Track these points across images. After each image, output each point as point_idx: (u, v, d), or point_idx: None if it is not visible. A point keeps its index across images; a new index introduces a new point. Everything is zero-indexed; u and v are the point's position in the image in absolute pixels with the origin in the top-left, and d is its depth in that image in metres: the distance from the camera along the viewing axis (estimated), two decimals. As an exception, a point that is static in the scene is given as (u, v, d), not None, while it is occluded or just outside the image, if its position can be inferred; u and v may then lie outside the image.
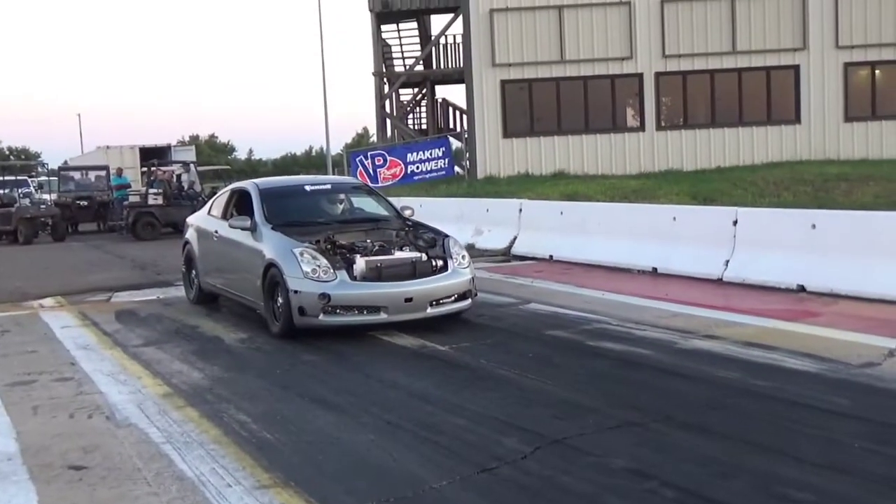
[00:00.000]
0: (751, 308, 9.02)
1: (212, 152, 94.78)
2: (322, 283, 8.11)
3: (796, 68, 27.04)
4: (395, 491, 4.46)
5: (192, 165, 26.04)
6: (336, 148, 49.88)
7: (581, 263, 13.00)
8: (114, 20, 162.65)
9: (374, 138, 43.78)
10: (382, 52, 33.35)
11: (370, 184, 27.00)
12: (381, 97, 32.79)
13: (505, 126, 27.57)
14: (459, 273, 8.73)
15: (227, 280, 10.00)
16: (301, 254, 8.30)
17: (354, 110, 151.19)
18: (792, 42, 26.92)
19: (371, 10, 31.69)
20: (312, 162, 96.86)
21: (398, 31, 34.41)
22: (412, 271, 8.46)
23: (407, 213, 9.96)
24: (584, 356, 7.34)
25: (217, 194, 11.29)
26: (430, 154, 28.05)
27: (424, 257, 8.66)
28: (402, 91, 35.64)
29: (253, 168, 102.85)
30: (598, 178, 25.10)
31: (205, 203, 23.50)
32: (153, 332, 9.20)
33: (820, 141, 27.00)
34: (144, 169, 28.55)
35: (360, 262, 8.34)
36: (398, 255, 8.66)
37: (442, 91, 36.66)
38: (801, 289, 9.78)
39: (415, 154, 27.99)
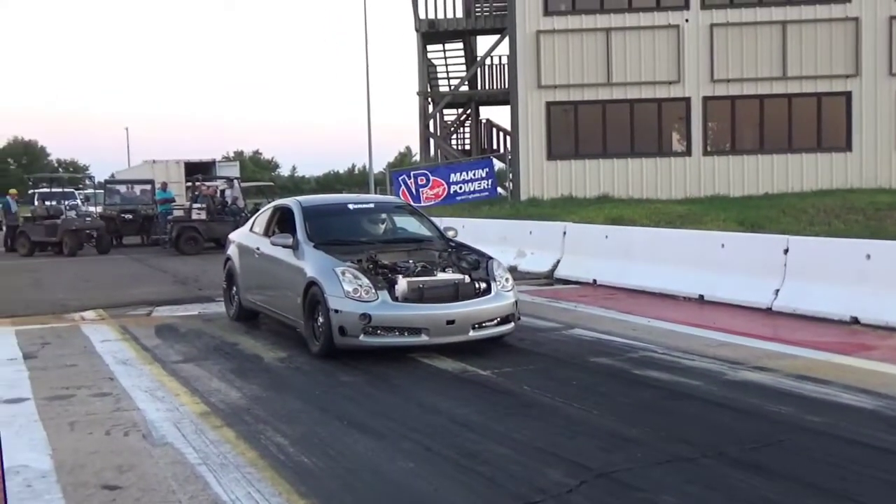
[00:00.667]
0: (802, 339, 8.75)
1: (255, 168, 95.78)
2: (363, 303, 8.01)
3: (848, 95, 26.62)
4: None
5: (235, 181, 26.20)
6: (379, 167, 49.97)
7: (625, 289, 12.77)
8: (164, 36, 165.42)
9: (417, 157, 43.85)
10: (428, 71, 33.40)
11: (412, 203, 27.07)
12: (425, 117, 32.81)
13: (549, 148, 27.42)
14: (503, 296, 8.57)
15: (267, 297, 9.91)
16: (343, 273, 8.21)
17: (398, 129, 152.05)
18: (844, 68, 26.51)
19: (417, 31, 31.76)
20: (355, 180, 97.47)
21: (444, 51, 34.46)
22: (455, 293, 8.33)
23: (450, 233, 9.85)
24: (630, 385, 7.13)
25: (260, 211, 11.24)
26: (474, 175, 27.99)
27: (467, 279, 8.52)
28: (446, 111, 35.64)
29: (296, 185, 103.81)
30: (643, 202, 24.83)
31: (247, 219, 23.75)
32: (192, 349, 9.14)
33: (871, 169, 26.50)
34: (189, 183, 28.78)
35: (402, 283, 8.20)
36: (441, 276, 8.53)
37: (486, 112, 36.69)
38: (855, 321, 9.48)
39: (458, 174, 27.95)
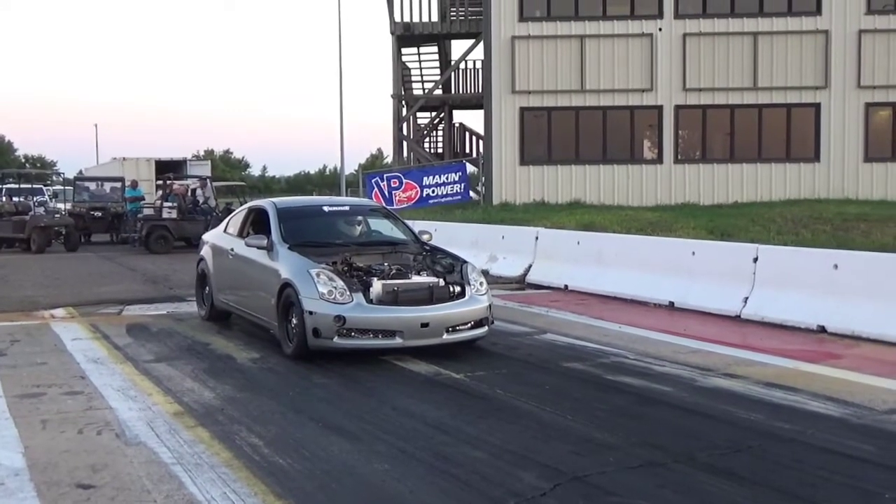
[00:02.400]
0: (771, 347, 8.88)
1: (226, 167, 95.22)
2: (338, 305, 8.02)
3: (817, 106, 27.00)
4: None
5: (208, 180, 26.06)
6: (350, 168, 49.98)
7: (597, 294, 12.87)
8: (133, 32, 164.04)
9: (389, 160, 43.83)
10: (402, 74, 33.43)
11: (385, 205, 27.06)
12: (398, 119, 32.83)
13: (522, 153, 27.56)
14: (476, 300, 8.62)
15: (241, 298, 9.90)
16: (317, 275, 8.22)
17: (370, 131, 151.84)
18: (814, 80, 26.89)
19: (392, 33, 31.79)
20: (326, 181, 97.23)
21: (419, 54, 34.52)
22: (429, 296, 8.37)
23: (425, 237, 9.92)
24: (602, 390, 7.20)
25: (234, 212, 11.18)
26: (446, 178, 28.05)
27: (442, 282, 8.58)
28: (419, 114, 35.68)
29: (266, 185, 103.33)
30: (615, 208, 24.99)
31: (219, 219, 23.59)
32: (164, 348, 9.10)
33: (839, 180, 26.89)
34: (159, 182, 28.59)
35: (377, 286, 8.24)
36: (415, 279, 8.60)
37: (460, 116, 36.74)
38: (822, 329, 9.63)
39: (431, 178, 27.99)
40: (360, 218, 10.35)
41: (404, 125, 33.64)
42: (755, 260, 10.86)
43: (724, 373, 7.71)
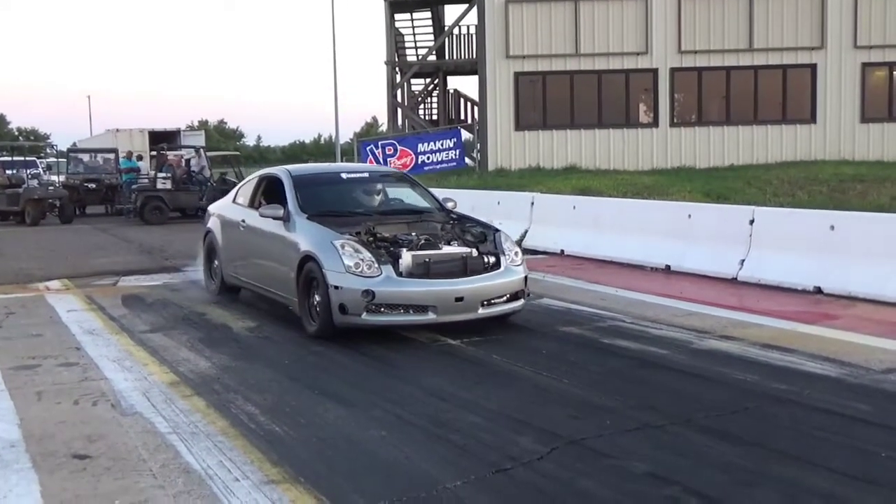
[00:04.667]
0: (767, 309, 8.87)
1: (220, 138, 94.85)
2: (366, 279, 7.47)
3: (813, 67, 26.86)
4: (407, 490, 4.32)
5: (201, 150, 25.93)
6: (345, 137, 49.78)
7: (593, 259, 12.85)
8: (126, 4, 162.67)
9: (384, 128, 43.63)
10: (395, 41, 33.16)
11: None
12: (392, 87, 32.61)
13: (517, 118, 27.42)
14: (512, 271, 8.09)
15: (254, 273, 9.33)
16: (342, 246, 7.66)
17: (364, 100, 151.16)
18: (809, 41, 26.72)
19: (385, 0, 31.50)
20: (321, 150, 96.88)
21: (412, 20, 34.21)
22: (463, 268, 7.80)
23: (449, 204, 9.38)
24: (599, 354, 7.20)
25: (243, 181, 10.65)
26: (441, 145, 27.93)
27: (475, 253, 8.04)
28: (413, 81, 35.44)
29: (262, 155, 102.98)
30: (611, 173, 24.94)
31: (214, 189, 23.54)
32: (160, 318, 9.07)
33: (835, 141, 26.80)
34: (153, 153, 28.46)
35: (407, 257, 7.68)
36: (447, 249, 8.02)
37: (454, 82, 36.48)
38: (818, 290, 9.62)
39: (426, 144, 27.88)
40: (380, 185, 9.69)
41: (398, 92, 33.43)
42: (751, 222, 10.82)
43: (720, 335, 7.71)
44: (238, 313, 9.27)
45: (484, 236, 8.45)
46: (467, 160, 28.75)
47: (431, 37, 34.42)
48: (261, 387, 6.32)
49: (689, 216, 11.88)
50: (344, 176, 9.62)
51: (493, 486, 4.38)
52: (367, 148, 28.01)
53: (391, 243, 8.00)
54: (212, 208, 11.00)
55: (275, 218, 8.62)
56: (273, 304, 9.11)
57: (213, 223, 10.54)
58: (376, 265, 7.56)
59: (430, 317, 7.60)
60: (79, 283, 11.67)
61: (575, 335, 7.90)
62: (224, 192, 22.57)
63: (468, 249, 8.07)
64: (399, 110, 33.81)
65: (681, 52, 26.91)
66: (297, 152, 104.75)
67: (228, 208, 10.33)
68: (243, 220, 9.58)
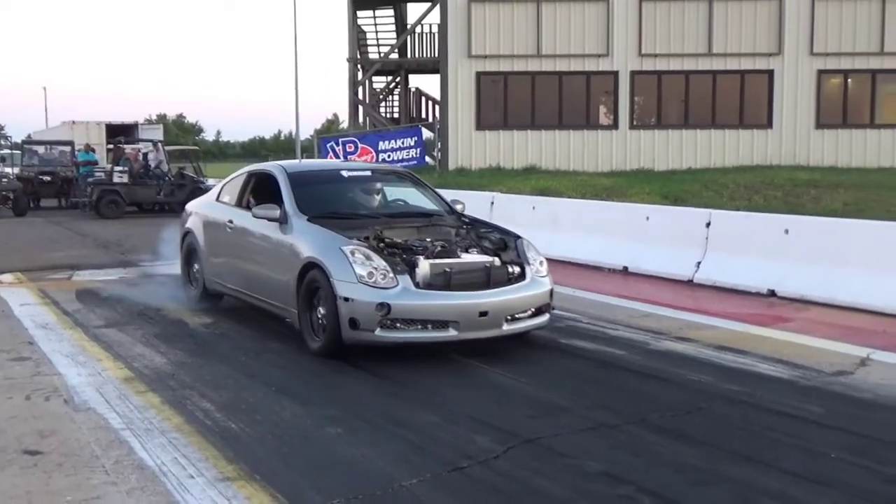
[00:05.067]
0: (722, 311, 8.98)
1: (179, 132, 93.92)
2: (380, 290, 6.65)
3: (770, 73, 27.22)
4: (363, 488, 4.31)
5: (159, 144, 25.65)
6: (305, 133, 49.56)
7: (552, 259, 12.76)
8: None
9: (345, 125, 43.47)
10: (357, 38, 33.07)
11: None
12: (354, 84, 32.53)
13: (478, 118, 27.47)
14: (539, 282, 7.30)
15: (244, 280, 8.39)
16: (352, 253, 6.85)
17: (325, 97, 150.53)
18: (767, 47, 27.08)
19: (347, -5, 31.39)
20: (281, 146, 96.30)
21: (374, 17, 34.15)
22: (486, 279, 6.98)
23: (458, 207, 8.63)
24: (556, 354, 7.24)
25: (228, 178, 9.61)
26: (402, 143, 27.90)
27: (498, 262, 7.24)
28: (375, 79, 35.38)
29: (221, 150, 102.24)
30: (570, 174, 25.08)
31: (171, 183, 23.25)
32: (115, 314, 8.96)
33: (791, 146, 27.19)
34: (110, 146, 28.10)
35: (424, 266, 6.85)
36: (467, 258, 7.20)
37: (416, 80, 36.47)
38: (772, 293, 9.75)
39: (386, 142, 27.82)
40: (379, 185, 8.82)
41: (360, 89, 33.34)
42: (708, 225, 10.95)
43: (676, 336, 7.79)
44: (195, 309, 9.18)
45: (504, 243, 7.64)
46: (428, 159, 28.75)
47: (394, 35, 34.39)
48: (217, 383, 6.28)
49: (647, 218, 11.99)
50: (344, 174, 8.75)
51: (450, 485, 4.39)
52: (328, 145, 27.91)
53: (403, 250, 7.18)
54: (191, 207, 10.02)
55: (270, 219, 7.75)
56: (254, 308, 8.99)
57: (193, 223, 9.58)
58: (391, 275, 6.74)
59: (451, 333, 6.75)
60: (32, 276, 11.49)
61: (532, 335, 7.92)
62: (181, 188, 22.73)
63: (489, 258, 7.26)
64: (360, 108, 33.74)
65: (641, 56, 27.14)
66: (256, 148, 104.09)
67: (211, 207, 9.42)
68: (230, 221, 8.67)
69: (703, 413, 5.58)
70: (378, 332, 6.67)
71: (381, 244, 7.18)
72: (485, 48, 27.07)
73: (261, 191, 8.61)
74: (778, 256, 9.98)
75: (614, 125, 27.63)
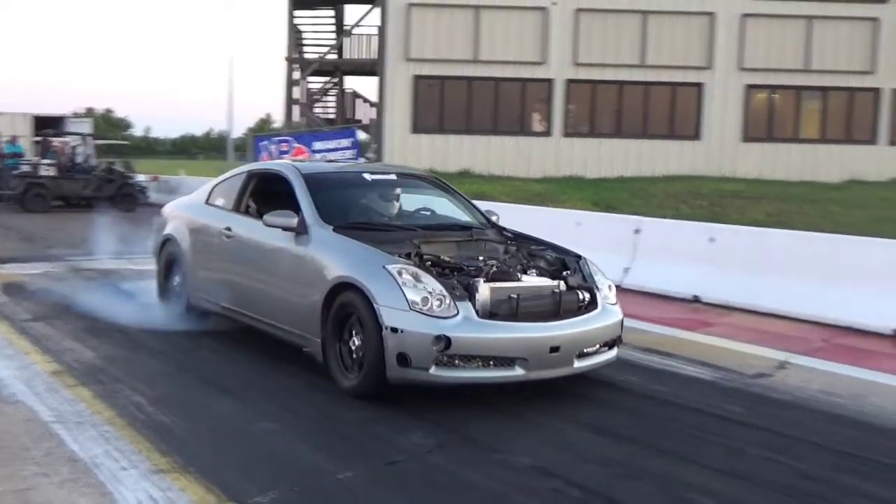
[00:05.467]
0: (650, 315, 9.19)
1: (107, 126, 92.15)
2: (437, 320, 5.56)
3: (700, 86, 27.85)
4: (298, 481, 4.37)
5: (88, 138, 25.20)
6: (238, 132, 49.11)
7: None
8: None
9: (279, 124, 43.21)
10: (295, 38, 32.91)
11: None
12: (290, 83, 32.36)
13: (414, 121, 27.58)
14: (610, 311, 6.32)
15: (245, 299, 7.21)
16: (399, 273, 5.73)
17: (259, 96, 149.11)
18: (698, 61, 27.71)
19: (285, -6, 31.24)
20: (212, 144, 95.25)
21: (313, 17, 34.03)
22: (555, 308, 5.99)
23: (493, 218, 7.70)
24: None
25: (220, 179, 8.34)
26: (337, 144, 27.89)
27: (564, 287, 6.18)
28: (312, 79, 35.24)
29: (150, 146, 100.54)
30: (504, 179, 25.34)
31: (100, 178, 22.81)
32: (42, 307, 8.81)
33: (718, 158, 27.87)
34: (37, 138, 27.50)
35: (485, 291, 5.80)
36: (528, 281, 6.15)
37: (353, 82, 36.53)
38: (696, 299, 10.03)
39: (322, 143, 27.78)
40: (398, 191, 7.52)
41: (296, 89, 33.18)
42: (636, 232, 11.21)
43: (605, 339, 7.96)
44: (124, 306, 9.06)
45: (563, 263, 6.58)
46: (362, 160, 28.76)
47: (332, 35, 34.32)
48: (148, 378, 6.24)
49: (578, 224, 12.20)
50: (368, 177, 7.58)
51: (383, 478, 4.47)
52: (262, 144, 27.77)
53: (452, 270, 6.08)
54: (171, 209, 8.80)
55: (285, 229, 6.60)
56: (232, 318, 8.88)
57: (175, 229, 8.33)
58: (449, 301, 5.66)
59: (518, 372, 5.72)
60: (-45, 268, 11.23)
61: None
62: (110, 183, 22.37)
63: (554, 282, 6.20)
64: (295, 107, 33.58)
65: (576, 65, 27.55)
66: (187, 145, 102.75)
67: (200, 211, 8.15)
68: (227, 229, 7.46)
69: (629, 412, 5.75)
70: (433, 370, 5.57)
71: (427, 263, 6.05)
72: (423, 52, 27.19)
73: (265, 194, 7.50)
74: (703, 263, 10.27)
75: (548, 132, 27.99)
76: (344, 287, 5.98)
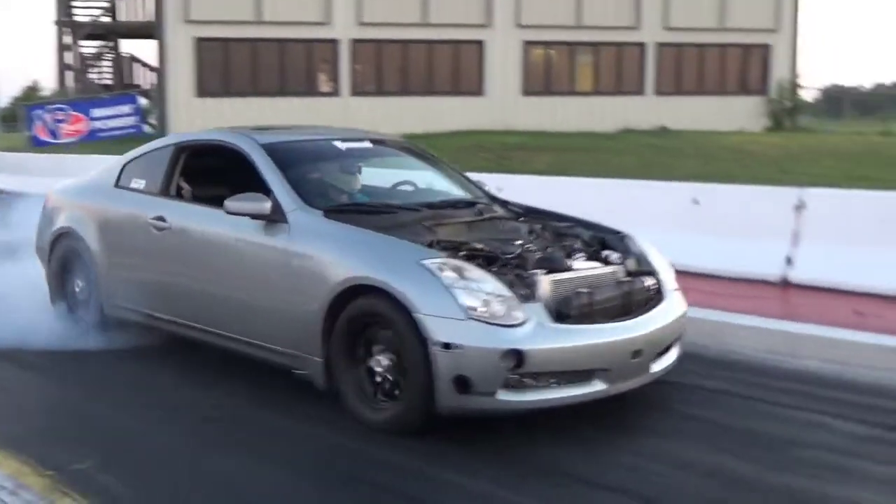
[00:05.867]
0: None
1: None
2: (504, 330, 4.37)
3: (481, 43, 28.78)
4: (113, 445, 4.48)
5: None
6: (0, 102, 45.79)
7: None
8: None
9: (48, 92, 40.89)
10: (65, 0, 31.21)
11: (52, 140, 25.38)
12: (61, 48, 30.72)
13: (199, 85, 26.95)
14: (675, 300, 5.24)
15: (193, 308, 5.72)
16: (440, 268, 4.48)
17: (23, 62, 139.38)
18: (478, 18, 28.58)
19: (50, -47, 29.51)
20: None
21: (82, -23, 32.36)
22: (627, 301, 4.90)
23: (489, 189, 6.56)
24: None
25: (132, 155, 6.66)
26: (117, 110, 26.92)
27: (622, 273, 5.10)
28: (85, 43, 33.54)
29: None
30: (294, 141, 25.26)
31: None
32: None
33: (500, 113, 28.95)
34: None
35: (545, 285, 4.66)
36: (584, 269, 4.97)
37: (130, 45, 34.97)
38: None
39: (101, 110, 26.73)
40: (384, 161, 6.46)
41: (67, 54, 31.53)
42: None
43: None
44: None
45: (602, 242, 5.36)
46: (146, 127, 27.86)
47: (104, -4, 32.76)
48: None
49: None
50: (340, 145, 6.09)
51: (202, 435, 4.65)
52: (35, 113, 26.33)
53: (487, 260, 4.78)
54: (61, 196, 7.12)
55: (256, 216, 5.19)
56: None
57: (72, 220, 6.69)
58: (515, 304, 4.46)
59: (599, 388, 4.62)
60: None
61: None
62: None
63: (610, 268, 5.09)
64: (68, 74, 31.93)
65: (361, 24, 27.75)
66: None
67: (111, 196, 6.51)
68: (159, 219, 5.90)
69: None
70: (501, 394, 4.37)
71: (462, 254, 4.76)
72: (204, 13, 26.52)
73: (205, 173, 6.11)
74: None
75: (335, 92, 28.12)
76: (358, 291, 4.66)
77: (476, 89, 29.02)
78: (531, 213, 5.82)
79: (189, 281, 5.73)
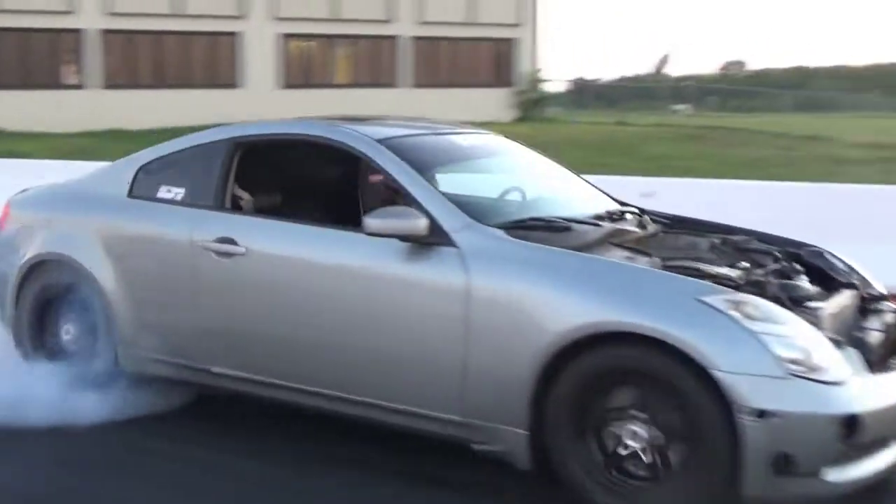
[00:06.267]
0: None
1: None
2: (831, 389, 3.46)
3: (237, 35, 28.70)
4: None
5: None
6: None
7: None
8: None
9: None
10: None
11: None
12: None
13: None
14: None
15: (295, 362, 4.37)
16: (732, 307, 3.53)
17: None
18: (233, 10, 28.46)
19: None
20: None
21: None
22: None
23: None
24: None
25: (154, 153, 5.32)
26: None
27: (858, 300, 4.27)
28: None
29: None
30: (40, 136, 24.22)
31: None
32: None
33: (258, 105, 28.95)
34: None
35: (827, 321, 3.85)
36: (833, 299, 4.09)
37: None
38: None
39: None
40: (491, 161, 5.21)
41: None
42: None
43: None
44: None
45: (799, 259, 4.37)
46: None
47: None
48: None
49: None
50: (461, 141, 4.97)
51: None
52: None
53: (756, 287, 3.85)
54: (28, 207, 5.52)
55: (405, 238, 3.98)
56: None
57: (64, 242, 5.13)
58: (835, 351, 3.60)
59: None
60: None
61: None
62: None
63: (844, 294, 4.20)
64: None
65: (111, 14, 26.90)
66: None
67: (123, 209, 5.09)
68: (227, 240, 4.53)
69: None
70: (828, 474, 3.44)
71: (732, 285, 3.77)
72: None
73: (281, 178, 4.98)
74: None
75: (83, 85, 27.17)
76: (596, 341, 3.60)
77: (232, 82, 28.88)
78: (673, 223, 4.80)
79: (282, 326, 4.38)
